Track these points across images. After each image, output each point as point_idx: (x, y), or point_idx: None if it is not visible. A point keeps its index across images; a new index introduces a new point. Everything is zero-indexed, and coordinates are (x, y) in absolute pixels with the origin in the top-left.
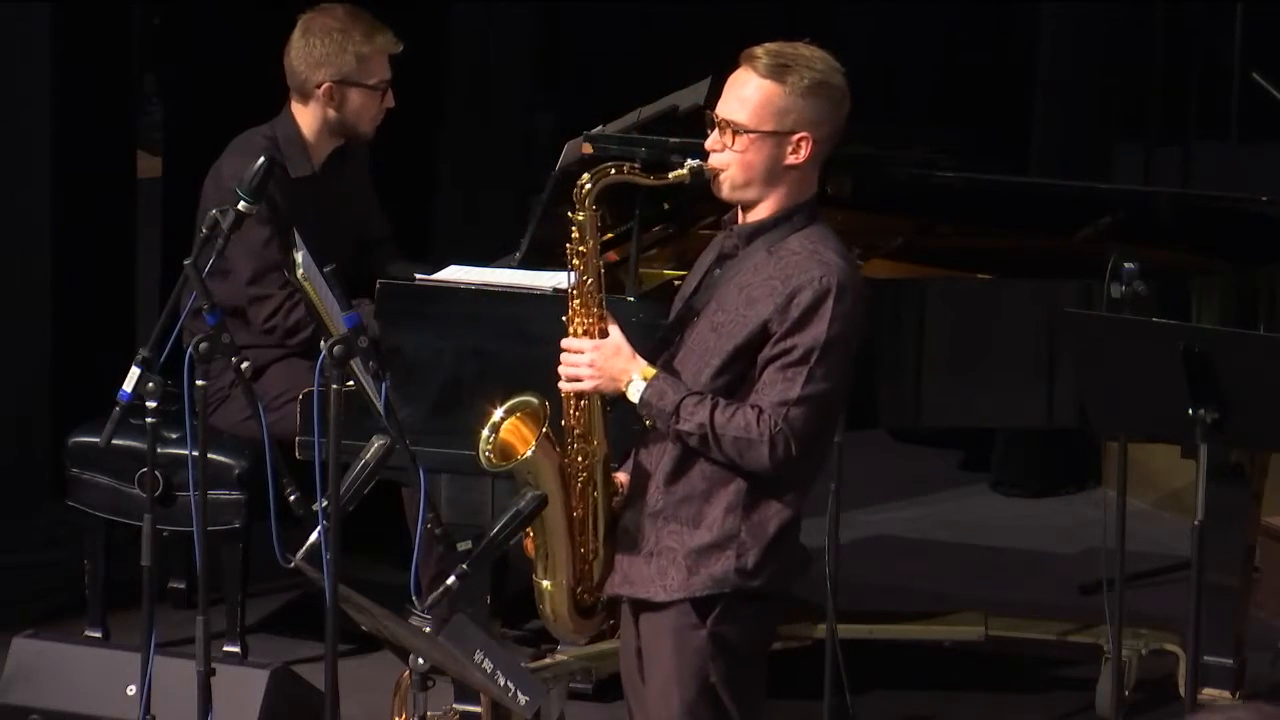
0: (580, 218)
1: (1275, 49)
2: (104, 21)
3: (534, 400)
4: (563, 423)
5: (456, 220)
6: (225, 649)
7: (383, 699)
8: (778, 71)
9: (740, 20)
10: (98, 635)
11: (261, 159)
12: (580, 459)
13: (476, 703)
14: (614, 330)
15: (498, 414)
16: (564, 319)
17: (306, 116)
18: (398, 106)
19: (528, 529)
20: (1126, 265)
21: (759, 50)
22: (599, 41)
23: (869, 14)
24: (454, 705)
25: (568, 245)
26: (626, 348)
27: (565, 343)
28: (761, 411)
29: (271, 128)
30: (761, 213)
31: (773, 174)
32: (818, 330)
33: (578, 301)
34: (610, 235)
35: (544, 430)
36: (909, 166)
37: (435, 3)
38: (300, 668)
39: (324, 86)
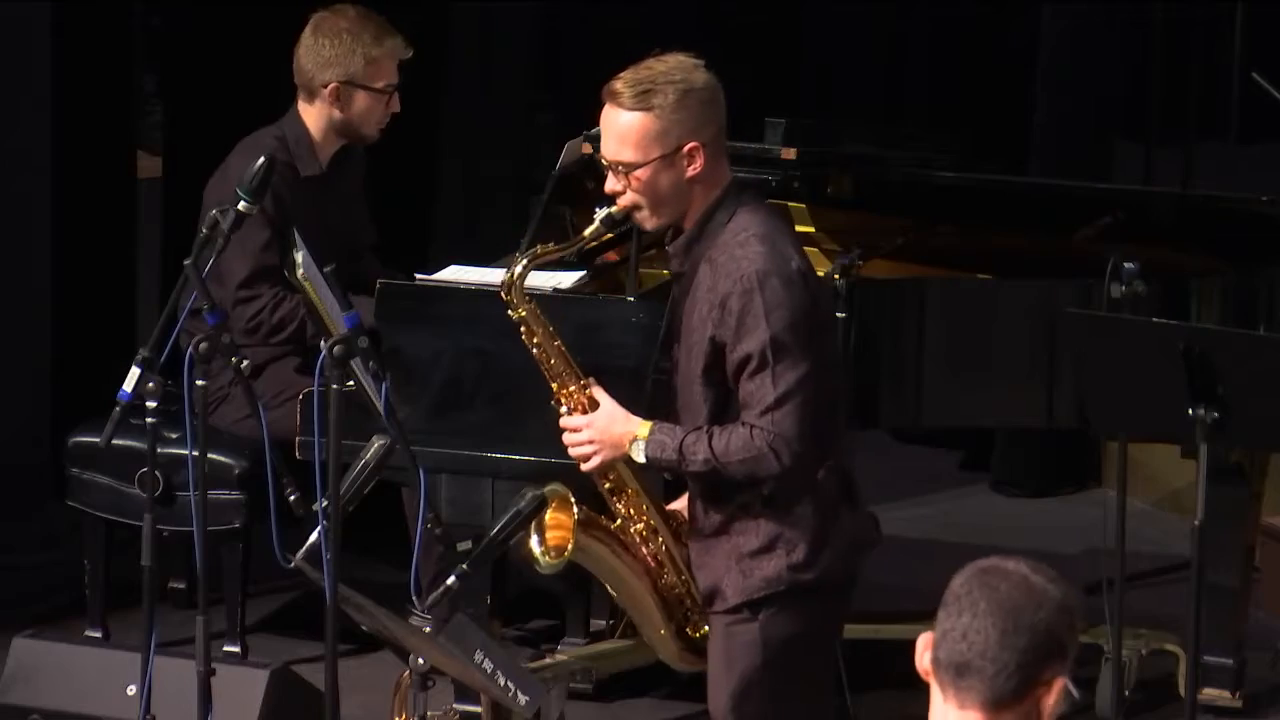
0: (522, 314)
1: (1275, 49)
2: (104, 21)
3: (558, 488)
4: (600, 486)
5: (457, 220)
6: (225, 649)
7: (383, 699)
8: (641, 99)
9: (740, 20)
10: (98, 635)
11: (262, 159)
12: (631, 512)
13: (476, 703)
14: (601, 397)
15: (534, 538)
16: (552, 402)
17: (313, 116)
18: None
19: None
20: (1126, 265)
21: (618, 85)
22: (599, 41)
23: (869, 14)
24: (454, 705)
25: (521, 335)
26: (619, 412)
27: (562, 423)
28: (752, 427)
29: (280, 127)
30: (689, 223)
31: (679, 191)
32: (759, 329)
33: (555, 384)
34: (610, 235)
35: (575, 514)
36: (909, 166)
37: (435, 3)
38: (300, 668)
39: (330, 87)
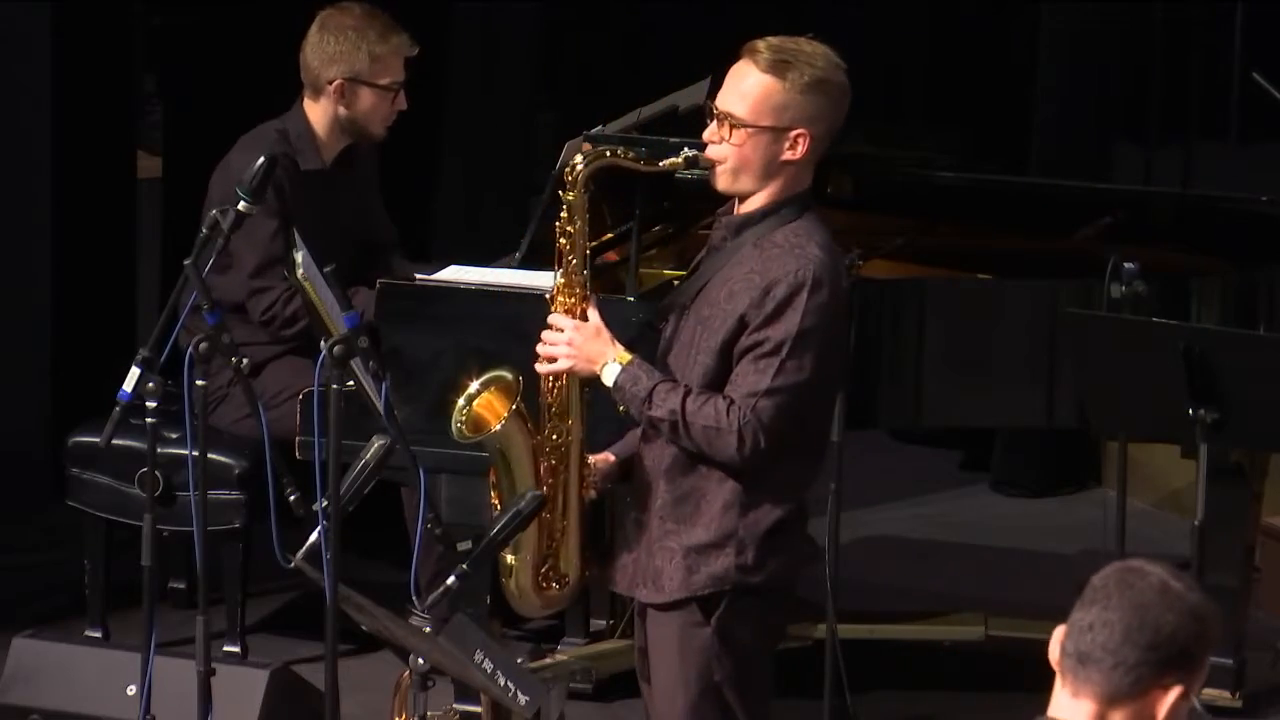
0: (570, 197)
1: (1275, 49)
2: (104, 21)
3: (508, 375)
4: (540, 400)
5: (457, 220)
6: (225, 649)
7: (383, 699)
8: (778, 67)
9: (740, 20)
10: (98, 635)
11: (261, 159)
12: (554, 437)
13: (476, 703)
14: (594, 314)
15: (473, 386)
16: (547, 297)
17: (318, 113)
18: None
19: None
20: (1126, 265)
21: (761, 44)
22: (599, 41)
23: (869, 13)
24: (454, 705)
25: (556, 224)
26: (605, 332)
27: (550, 319)
28: (732, 402)
29: (283, 122)
30: (752, 205)
31: (769, 168)
32: (790, 323)
33: (562, 280)
34: (610, 235)
35: (515, 404)
36: (909, 166)
37: (436, 2)
38: (300, 668)
39: (335, 84)
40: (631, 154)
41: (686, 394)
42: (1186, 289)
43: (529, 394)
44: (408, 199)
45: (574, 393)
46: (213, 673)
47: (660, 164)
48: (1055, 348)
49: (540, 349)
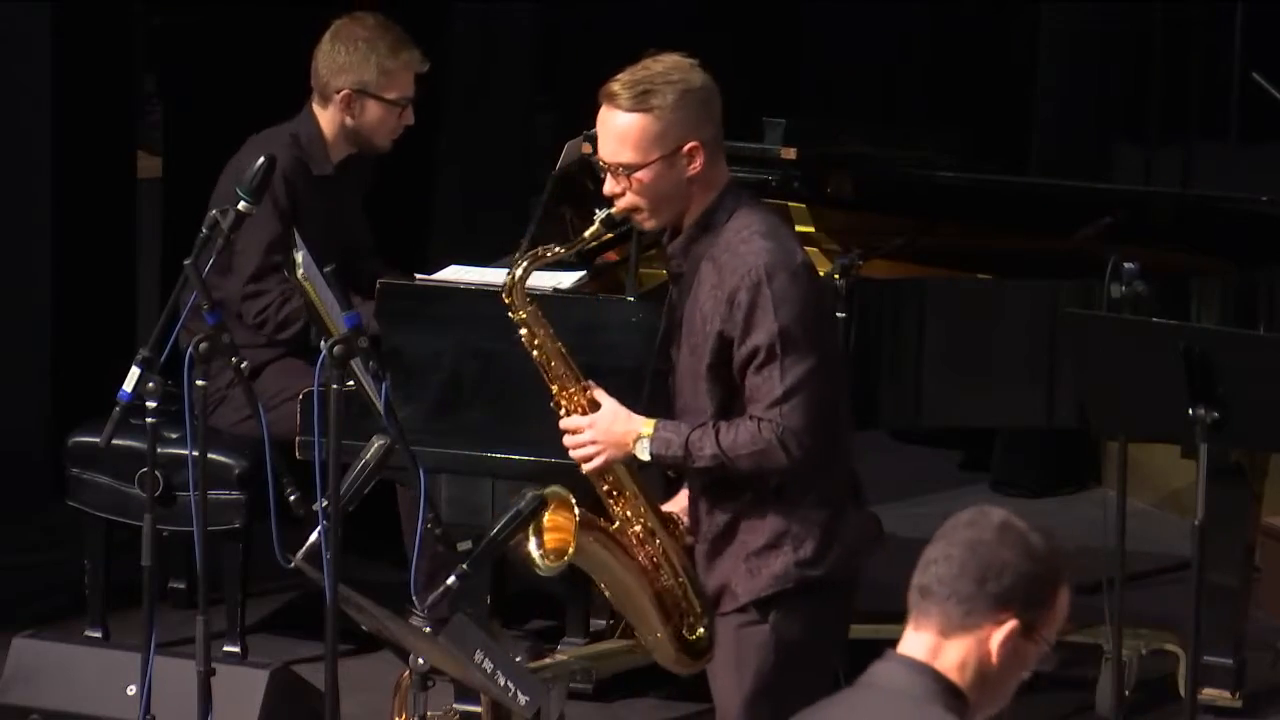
0: (523, 316)
1: (1275, 49)
2: (104, 21)
3: (558, 490)
4: (597, 489)
5: (456, 221)
6: (225, 649)
7: (383, 699)
8: (640, 100)
9: (739, 20)
10: (98, 635)
11: (261, 159)
12: (629, 514)
13: (476, 703)
14: (602, 397)
15: (533, 540)
16: (551, 405)
17: (325, 119)
18: None
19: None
20: (1126, 265)
21: (615, 86)
22: (599, 41)
23: (869, 13)
24: (454, 705)
25: (522, 336)
26: (621, 411)
27: (563, 424)
28: (760, 420)
29: (294, 125)
30: (689, 222)
31: (681, 190)
32: (768, 323)
33: (555, 386)
34: (610, 235)
35: (578, 515)
36: (909, 166)
37: (435, 3)
38: (300, 668)
39: (343, 93)
40: (553, 247)
41: (718, 432)
42: (1186, 289)
43: (583, 484)
44: (407, 200)
45: (619, 466)
46: (213, 673)
47: (586, 237)
48: (1055, 348)
49: (571, 454)
